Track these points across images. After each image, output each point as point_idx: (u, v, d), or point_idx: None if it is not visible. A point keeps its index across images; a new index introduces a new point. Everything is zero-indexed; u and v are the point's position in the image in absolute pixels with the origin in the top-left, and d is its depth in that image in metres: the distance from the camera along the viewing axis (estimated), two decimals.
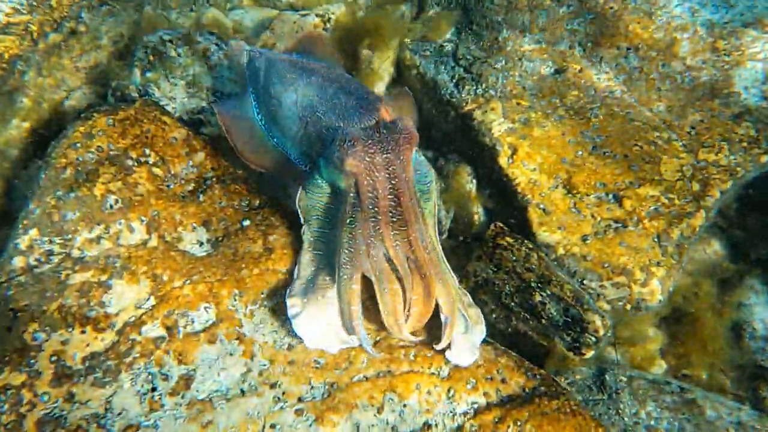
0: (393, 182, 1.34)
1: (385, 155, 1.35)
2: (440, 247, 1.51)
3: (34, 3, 1.77)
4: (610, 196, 1.93)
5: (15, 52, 1.70)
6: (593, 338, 1.66)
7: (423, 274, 1.31)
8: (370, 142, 1.36)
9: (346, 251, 1.34)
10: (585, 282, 1.82)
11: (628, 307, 1.76)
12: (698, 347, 1.86)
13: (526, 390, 1.32)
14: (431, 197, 1.52)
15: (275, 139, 1.70)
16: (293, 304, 1.35)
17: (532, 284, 1.79)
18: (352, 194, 1.36)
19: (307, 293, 1.37)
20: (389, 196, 1.34)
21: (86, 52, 2.08)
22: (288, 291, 1.38)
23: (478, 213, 2.27)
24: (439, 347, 1.34)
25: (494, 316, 1.94)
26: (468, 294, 1.56)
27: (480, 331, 1.42)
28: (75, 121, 1.58)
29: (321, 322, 1.33)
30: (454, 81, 2.44)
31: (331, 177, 1.42)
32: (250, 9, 2.92)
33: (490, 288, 1.94)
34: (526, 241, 1.85)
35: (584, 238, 1.87)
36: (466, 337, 1.37)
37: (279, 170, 1.69)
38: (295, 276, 1.41)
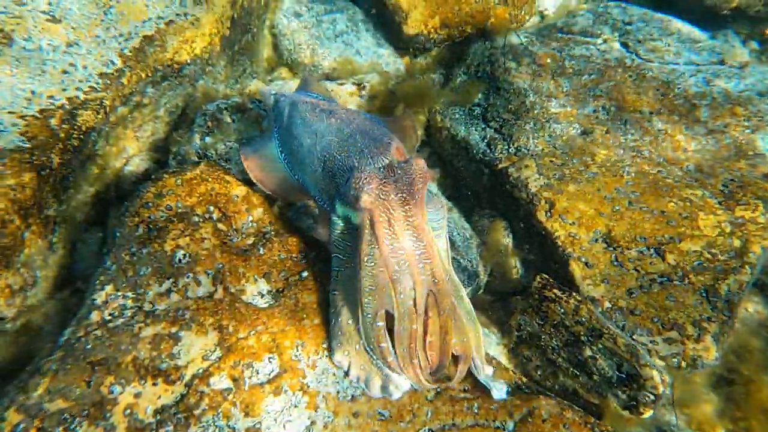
0: (410, 220, 1.37)
1: (400, 194, 1.38)
2: (461, 285, 1.51)
3: (108, 81, 1.95)
4: (652, 250, 1.97)
5: (90, 125, 1.85)
6: (652, 396, 1.62)
7: (441, 311, 1.32)
8: (384, 180, 1.39)
9: (367, 289, 1.35)
10: (635, 337, 1.81)
11: (684, 364, 1.74)
12: (758, 412, 1.79)
13: None
14: (442, 234, 1.54)
15: (296, 176, 1.76)
16: (339, 360, 1.39)
17: (582, 338, 1.78)
18: (367, 231, 1.38)
19: (346, 342, 1.39)
20: (408, 233, 1.36)
21: (146, 123, 2.24)
22: (331, 342, 1.41)
23: (516, 267, 2.30)
24: (452, 384, 1.37)
25: (539, 372, 1.91)
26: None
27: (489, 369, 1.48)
28: (147, 183, 1.68)
29: (374, 373, 1.35)
30: (485, 141, 2.57)
31: (346, 213, 1.45)
32: (289, 80, 3.14)
33: (535, 342, 1.93)
34: (574, 294, 1.87)
35: (630, 292, 1.89)
36: (488, 377, 1.41)
37: (296, 196, 1.79)
38: (331, 323, 1.44)
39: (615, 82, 2.67)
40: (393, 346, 1.32)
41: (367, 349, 1.36)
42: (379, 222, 1.36)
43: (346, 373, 1.38)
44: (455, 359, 1.38)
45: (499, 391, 1.41)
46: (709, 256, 1.91)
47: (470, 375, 1.43)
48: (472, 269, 2.23)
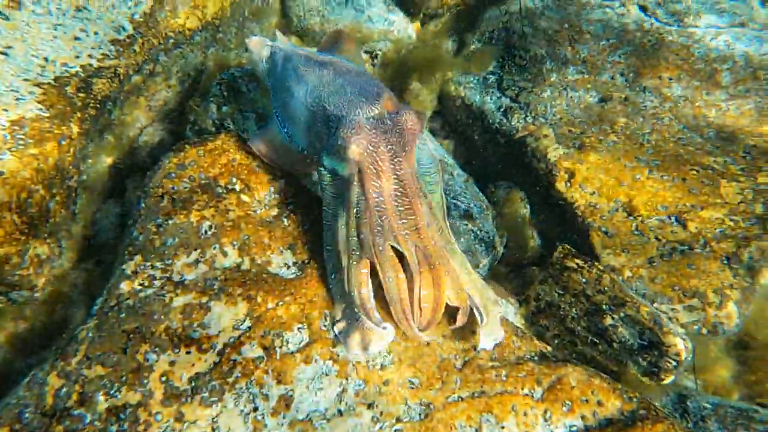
0: (398, 173, 1.34)
1: (389, 145, 1.35)
2: (453, 239, 1.47)
3: (121, 48, 1.89)
4: (673, 218, 1.96)
5: (106, 93, 1.81)
6: (674, 362, 1.65)
7: (431, 265, 1.30)
8: (374, 131, 1.35)
9: (353, 239, 1.34)
10: (655, 305, 1.82)
11: (704, 331, 1.76)
12: None
13: (625, 413, 1.32)
14: (437, 189, 1.50)
15: (286, 130, 1.70)
16: (334, 314, 1.40)
17: (604, 307, 1.79)
18: (355, 183, 1.35)
19: (339, 297, 1.39)
20: (394, 186, 1.34)
21: (158, 92, 2.20)
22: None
23: (533, 238, 2.30)
24: (452, 327, 1.38)
25: (556, 341, 1.93)
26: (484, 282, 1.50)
27: (497, 312, 1.45)
28: (168, 153, 1.66)
29: (354, 327, 1.34)
30: (501, 110, 2.53)
31: (333, 165, 1.41)
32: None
33: (554, 312, 1.94)
34: (596, 263, 1.87)
35: (650, 261, 1.89)
36: (485, 327, 1.39)
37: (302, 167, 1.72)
38: (330, 278, 1.44)
39: (633, 48, 2.61)
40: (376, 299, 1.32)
41: (351, 293, 1.34)
42: (368, 173, 1.33)
43: (333, 324, 1.38)
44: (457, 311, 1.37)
45: (486, 341, 1.39)
46: (731, 223, 1.91)
47: (497, 345, 1.44)
48: (488, 240, 2.23)
